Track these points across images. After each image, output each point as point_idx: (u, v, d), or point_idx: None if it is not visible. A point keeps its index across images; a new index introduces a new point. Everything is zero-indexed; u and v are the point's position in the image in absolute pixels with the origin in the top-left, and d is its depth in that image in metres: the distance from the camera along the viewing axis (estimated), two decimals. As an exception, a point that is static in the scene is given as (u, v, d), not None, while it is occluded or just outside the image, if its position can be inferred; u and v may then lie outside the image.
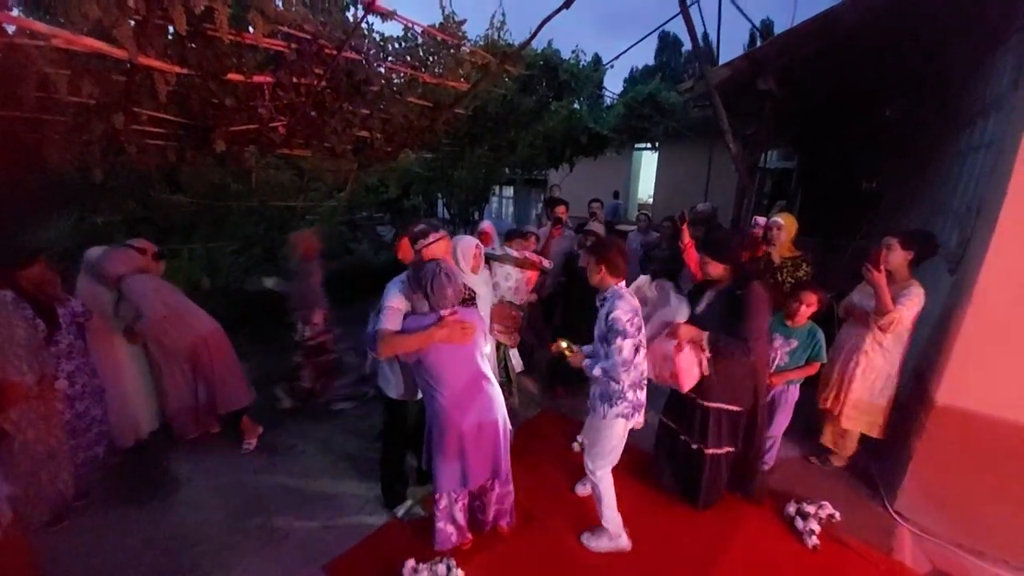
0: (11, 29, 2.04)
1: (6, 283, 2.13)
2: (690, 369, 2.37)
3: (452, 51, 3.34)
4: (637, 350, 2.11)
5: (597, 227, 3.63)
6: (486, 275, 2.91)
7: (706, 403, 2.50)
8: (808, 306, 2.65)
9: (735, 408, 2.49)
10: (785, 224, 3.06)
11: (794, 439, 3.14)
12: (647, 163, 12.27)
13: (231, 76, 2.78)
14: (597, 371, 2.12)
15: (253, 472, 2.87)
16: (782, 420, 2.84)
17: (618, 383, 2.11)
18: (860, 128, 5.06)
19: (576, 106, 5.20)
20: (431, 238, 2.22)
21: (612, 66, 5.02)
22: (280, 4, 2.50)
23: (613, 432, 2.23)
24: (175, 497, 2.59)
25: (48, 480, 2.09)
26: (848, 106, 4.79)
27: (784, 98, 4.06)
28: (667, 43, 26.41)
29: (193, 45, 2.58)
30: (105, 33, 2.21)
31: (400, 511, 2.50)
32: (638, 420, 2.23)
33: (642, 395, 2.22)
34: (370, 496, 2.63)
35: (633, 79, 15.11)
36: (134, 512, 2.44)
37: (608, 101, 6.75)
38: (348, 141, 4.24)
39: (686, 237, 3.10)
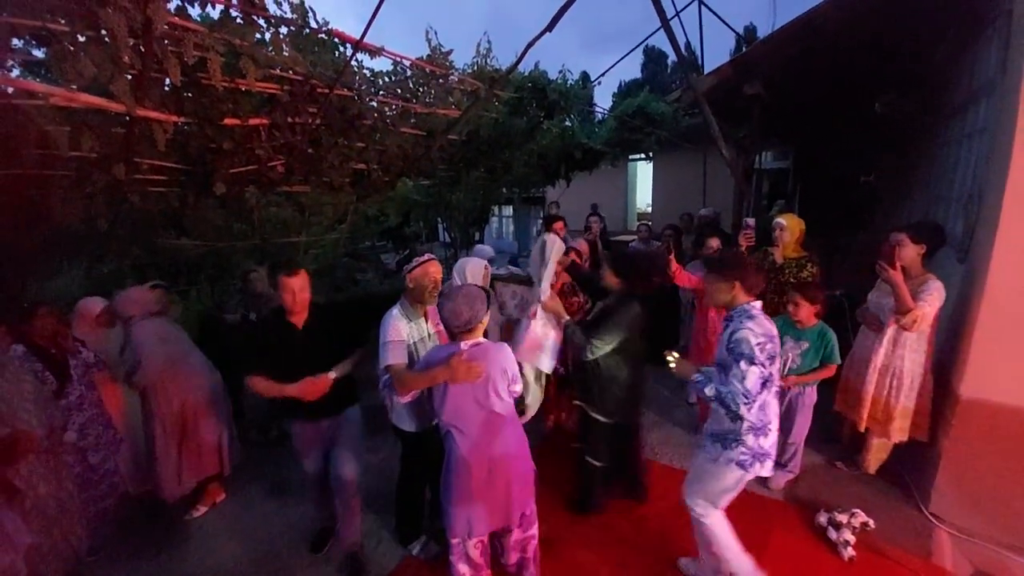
0: (10, 90, 2.11)
1: (16, 337, 2.15)
2: (534, 342, 2.53)
3: (441, 81, 3.41)
4: (765, 384, 1.75)
5: (581, 243, 3.54)
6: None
7: (589, 410, 2.52)
8: (799, 306, 2.62)
9: (604, 420, 2.48)
10: (788, 224, 3.02)
11: (816, 444, 3.05)
12: (643, 173, 12.38)
13: (228, 121, 2.85)
14: (710, 391, 1.79)
15: (264, 515, 2.82)
16: (802, 424, 2.76)
17: (734, 413, 1.75)
18: (852, 123, 5.07)
19: (568, 123, 5.27)
20: (414, 263, 2.18)
21: (600, 83, 5.11)
22: (271, 49, 2.57)
23: (722, 478, 1.91)
24: (187, 546, 2.54)
25: (61, 536, 2.05)
26: (838, 102, 4.82)
27: (773, 99, 4.09)
28: (652, 57, 26.88)
29: (189, 94, 2.66)
30: (102, 88, 2.28)
31: (415, 548, 2.42)
32: (759, 470, 1.86)
33: (766, 442, 1.85)
34: (383, 535, 2.56)
35: (622, 93, 15.35)
36: (146, 565, 2.39)
37: (599, 116, 6.84)
38: (346, 174, 4.31)
39: (673, 265, 3.04)
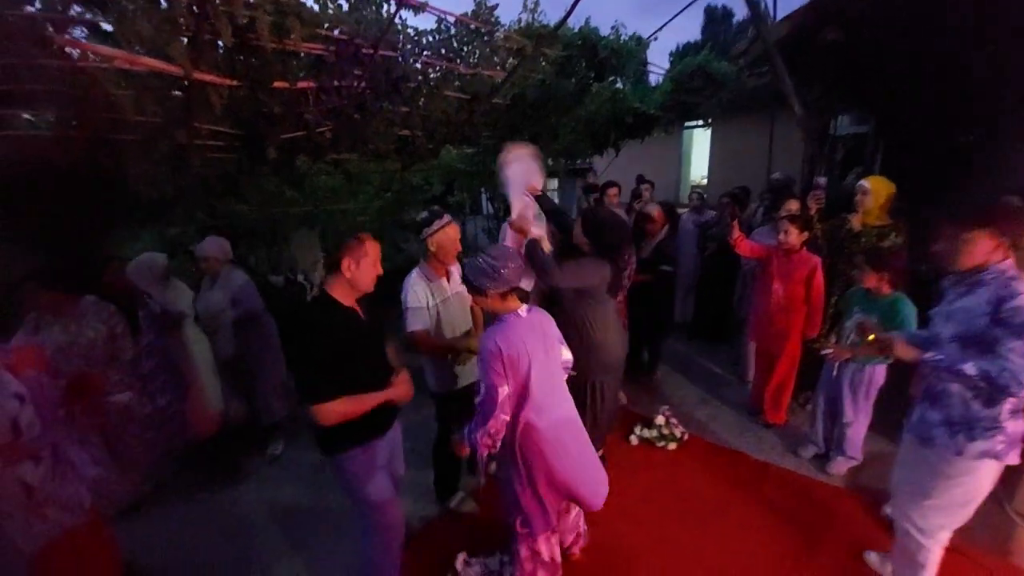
0: (75, 54, 2.21)
1: (92, 291, 2.32)
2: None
3: (486, 38, 3.27)
4: None
5: (653, 208, 3.39)
6: None
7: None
8: (864, 272, 2.36)
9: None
10: (873, 188, 2.68)
11: (883, 429, 2.79)
12: (700, 142, 11.59)
13: (277, 84, 2.88)
14: (972, 369, 1.45)
15: (319, 460, 2.99)
16: (863, 406, 2.52)
17: (1004, 395, 1.46)
18: (950, 78, 4.41)
19: (619, 85, 4.96)
20: (435, 226, 2.06)
21: (656, 38, 4.68)
22: (316, 8, 2.54)
23: (974, 477, 1.59)
24: (246, 485, 2.74)
25: (128, 467, 2.26)
26: (934, 53, 4.19)
27: (854, 50, 3.62)
28: (714, 17, 24.84)
29: (241, 57, 2.70)
30: (161, 52, 2.35)
31: (453, 502, 2.50)
32: (1013, 459, 1.59)
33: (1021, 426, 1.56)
34: (422, 490, 2.64)
35: (679, 54, 14.34)
36: (208, 498, 2.60)
37: (654, 79, 6.41)
38: (391, 141, 4.31)
39: (735, 232, 2.85)
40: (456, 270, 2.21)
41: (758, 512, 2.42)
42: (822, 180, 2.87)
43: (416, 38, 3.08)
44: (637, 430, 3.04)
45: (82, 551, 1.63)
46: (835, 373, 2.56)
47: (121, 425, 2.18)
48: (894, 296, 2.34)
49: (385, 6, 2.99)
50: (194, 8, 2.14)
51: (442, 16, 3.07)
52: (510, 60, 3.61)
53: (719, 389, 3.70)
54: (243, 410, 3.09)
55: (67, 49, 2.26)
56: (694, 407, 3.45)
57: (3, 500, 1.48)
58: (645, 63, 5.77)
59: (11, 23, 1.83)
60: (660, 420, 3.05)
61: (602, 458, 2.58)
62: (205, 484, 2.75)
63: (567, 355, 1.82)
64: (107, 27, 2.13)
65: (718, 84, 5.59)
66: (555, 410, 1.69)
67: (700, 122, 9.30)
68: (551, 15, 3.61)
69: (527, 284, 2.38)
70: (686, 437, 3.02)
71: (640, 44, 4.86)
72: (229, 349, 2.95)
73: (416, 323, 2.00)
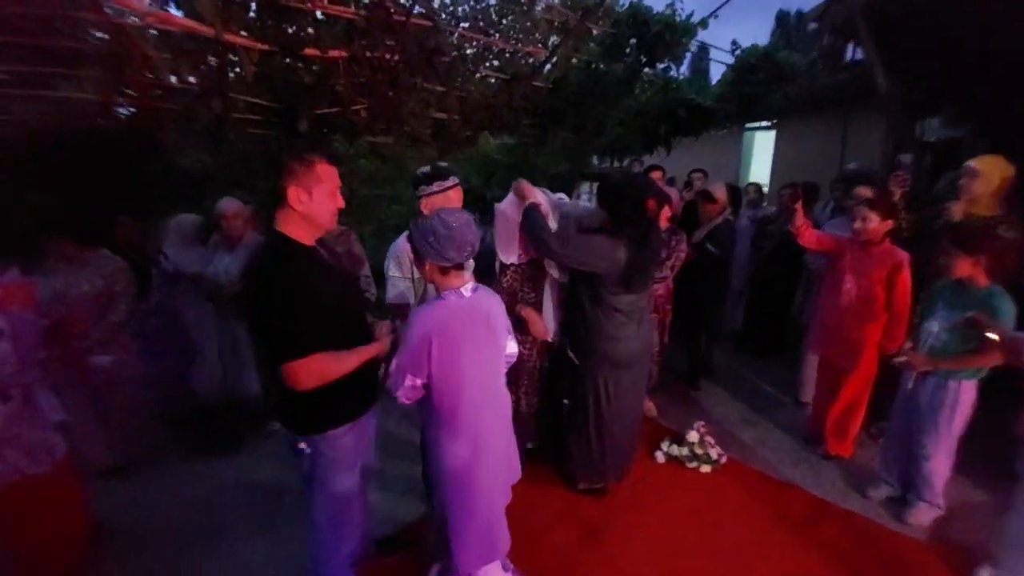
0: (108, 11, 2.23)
1: (107, 245, 2.32)
2: (500, 224, 2.03)
3: (526, 8, 3.09)
4: None
5: (717, 188, 2.98)
6: None
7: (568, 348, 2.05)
8: (951, 258, 1.84)
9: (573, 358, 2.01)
10: (983, 170, 2.16)
11: (979, 470, 2.25)
12: (761, 146, 10.77)
13: (308, 51, 2.84)
14: None
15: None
16: (944, 432, 1.95)
17: None
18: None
19: (672, 74, 4.62)
20: (434, 186, 1.67)
21: (717, 16, 4.15)
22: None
23: None
24: (237, 459, 2.63)
25: (115, 428, 2.21)
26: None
27: (956, 28, 3.07)
28: (786, 25, 23.53)
29: (270, 21, 2.67)
30: (192, 12, 2.34)
31: None
32: None
33: None
34: (406, 487, 2.37)
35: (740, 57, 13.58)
36: (198, 467, 2.50)
37: (715, 74, 5.98)
38: (427, 125, 4.24)
39: (799, 219, 2.39)
40: None
41: (810, 558, 1.98)
42: (906, 158, 2.35)
43: (451, 7, 2.95)
44: (664, 446, 2.63)
45: (41, 501, 1.54)
46: (910, 387, 2.05)
47: (111, 386, 2.13)
48: (990, 289, 1.82)
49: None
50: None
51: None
52: (552, 39, 3.42)
53: (769, 410, 3.21)
54: (255, 384, 3.01)
55: (104, 7, 2.30)
56: (737, 427, 2.99)
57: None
58: (703, 50, 5.36)
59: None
60: (693, 437, 2.62)
61: (621, 479, 2.25)
62: (197, 453, 2.68)
63: (512, 348, 1.56)
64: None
65: (786, 78, 5.10)
66: (482, 422, 1.40)
67: (764, 123, 8.61)
68: (600, -11, 3.37)
69: (510, 256, 2.07)
70: (724, 460, 2.58)
71: (699, 23, 4.45)
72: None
73: (395, 295, 1.77)
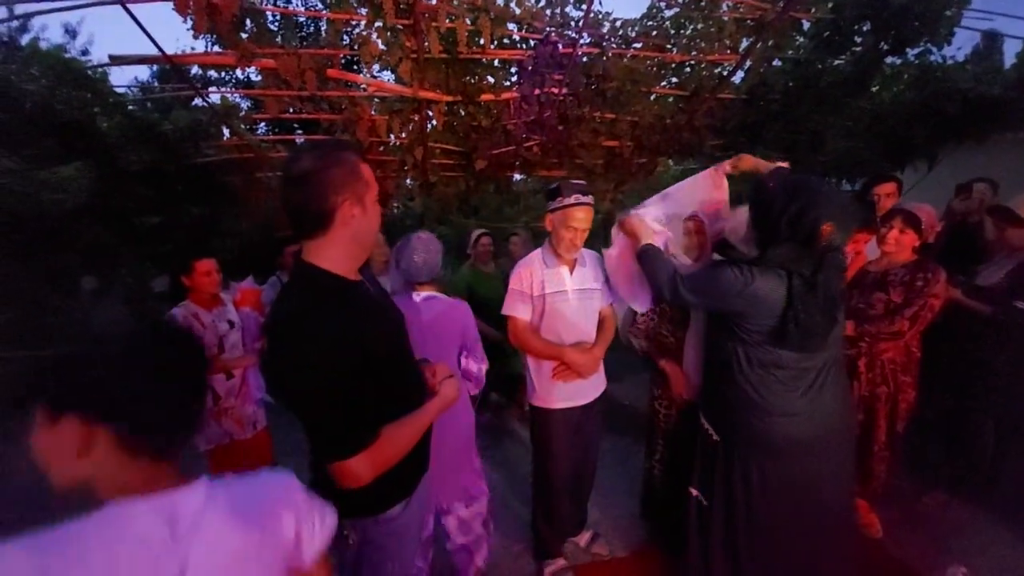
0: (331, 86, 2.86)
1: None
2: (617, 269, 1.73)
3: (706, 12, 2.73)
4: None
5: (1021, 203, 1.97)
6: None
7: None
8: None
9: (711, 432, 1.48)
10: None
11: None
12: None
13: (484, 97, 3.13)
14: None
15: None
16: None
17: None
18: None
19: (933, 57, 3.39)
20: (557, 201, 1.61)
21: None
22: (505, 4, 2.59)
23: None
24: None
25: None
26: None
27: None
28: None
29: (451, 71, 3.04)
30: (394, 75, 2.84)
31: (550, 568, 1.86)
32: None
33: None
34: (516, 550, 2.08)
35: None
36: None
37: (1008, 48, 4.20)
38: (598, 156, 4.15)
39: None
40: (591, 262, 1.72)
41: None
42: None
43: (619, 30, 2.83)
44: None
45: (241, 460, 1.94)
46: None
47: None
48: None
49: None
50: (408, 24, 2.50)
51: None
52: (742, 40, 2.92)
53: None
54: None
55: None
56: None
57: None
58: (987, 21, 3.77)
59: (303, 58, 2.50)
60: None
61: None
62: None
63: (471, 366, 1.62)
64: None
65: None
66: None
67: None
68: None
69: (643, 305, 1.77)
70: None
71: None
72: None
73: (511, 308, 1.68)
